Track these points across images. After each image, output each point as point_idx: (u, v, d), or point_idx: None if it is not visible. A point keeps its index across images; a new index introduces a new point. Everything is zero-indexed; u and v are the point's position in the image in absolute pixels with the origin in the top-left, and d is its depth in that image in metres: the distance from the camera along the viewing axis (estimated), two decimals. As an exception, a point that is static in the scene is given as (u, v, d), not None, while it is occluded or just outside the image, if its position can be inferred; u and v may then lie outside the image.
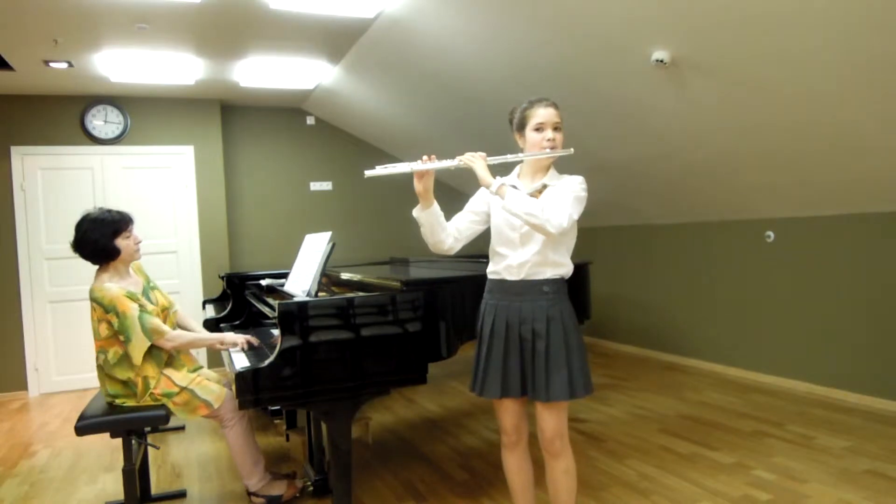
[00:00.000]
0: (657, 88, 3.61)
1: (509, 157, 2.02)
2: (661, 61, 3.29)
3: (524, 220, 1.92)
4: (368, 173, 1.99)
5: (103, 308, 2.53)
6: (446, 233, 2.13)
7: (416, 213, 2.09)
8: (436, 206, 2.08)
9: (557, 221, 1.89)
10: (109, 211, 2.66)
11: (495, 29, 3.68)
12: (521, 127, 2.08)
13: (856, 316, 3.94)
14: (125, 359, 2.56)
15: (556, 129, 2.04)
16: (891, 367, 3.76)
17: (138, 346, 2.52)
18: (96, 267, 2.71)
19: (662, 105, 3.76)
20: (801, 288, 4.26)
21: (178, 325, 2.91)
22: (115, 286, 2.57)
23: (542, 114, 2.03)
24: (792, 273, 4.31)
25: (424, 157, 2.01)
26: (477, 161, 1.98)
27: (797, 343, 4.30)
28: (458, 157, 2.01)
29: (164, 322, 2.71)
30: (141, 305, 2.58)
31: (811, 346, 4.21)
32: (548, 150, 2.02)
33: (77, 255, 2.65)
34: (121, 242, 2.62)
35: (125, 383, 2.59)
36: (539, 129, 2.03)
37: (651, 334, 5.58)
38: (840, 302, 4.03)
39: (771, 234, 4.43)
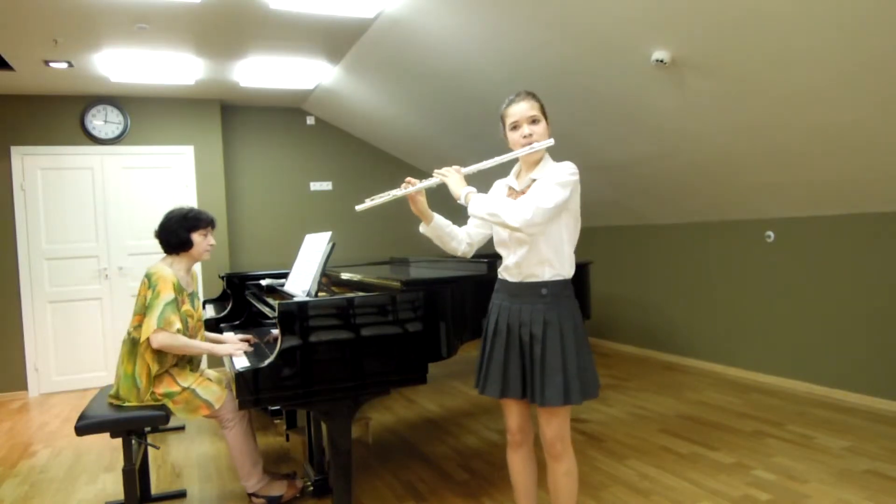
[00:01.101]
0: (657, 88, 3.61)
1: (485, 164, 2.04)
2: (661, 61, 3.29)
3: (489, 221, 1.97)
4: (358, 208, 2.16)
5: (149, 282, 2.64)
6: (457, 240, 2.18)
7: (421, 229, 2.17)
8: (437, 220, 2.15)
9: (520, 216, 1.88)
10: (195, 209, 2.86)
11: (495, 29, 3.68)
12: (504, 128, 2.08)
13: (856, 316, 3.94)
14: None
15: (533, 122, 2.00)
16: (891, 367, 3.76)
17: (148, 325, 2.57)
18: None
19: (662, 105, 3.76)
20: (801, 288, 4.26)
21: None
22: (171, 271, 2.70)
23: (514, 111, 2.01)
24: (792, 273, 4.31)
25: (407, 180, 2.09)
26: (450, 175, 2.04)
27: (797, 343, 4.30)
28: (434, 174, 2.06)
29: (194, 331, 2.76)
30: (178, 300, 2.65)
31: (811, 346, 4.21)
32: (525, 148, 1.99)
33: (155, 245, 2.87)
34: (195, 237, 2.79)
35: (135, 374, 2.62)
36: (514, 127, 2.02)
37: (651, 334, 5.58)
38: (840, 302, 4.03)
39: (771, 234, 4.43)
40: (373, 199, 2.12)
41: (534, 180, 2.04)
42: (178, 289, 2.68)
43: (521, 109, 2.00)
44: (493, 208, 1.92)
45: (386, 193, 2.11)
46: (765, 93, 3.26)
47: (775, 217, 4.37)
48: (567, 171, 1.97)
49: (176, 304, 2.62)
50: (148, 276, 2.67)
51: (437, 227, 2.15)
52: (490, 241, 2.23)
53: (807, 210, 4.13)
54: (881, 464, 2.97)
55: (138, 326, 2.64)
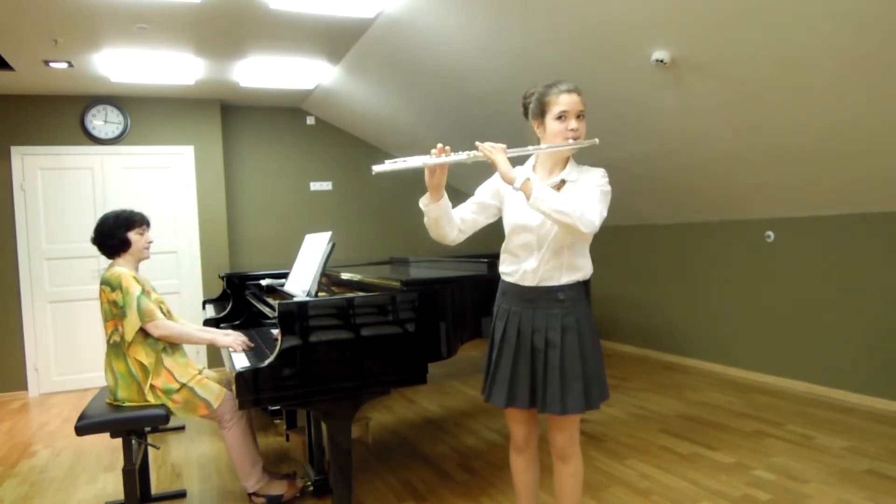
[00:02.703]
0: (657, 88, 3.61)
1: (529, 150, 1.87)
2: (661, 61, 3.29)
3: (553, 218, 1.75)
4: (376, 169, 1.87)
5: (111, 286, 2.64)
6: (451, 226, 1.99)
7: (423, 204, 1.94)
8: (445, 200, 1.94)
9: (590, 219, 1.77)
10: (126, 209, 2.86)
11: (495, 29, 3.68)
12: (541, 114, 1.92)
13: (856, 316, 3.94)
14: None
15: (579, 117, 1.88)
16: (891, 367, 3.76)
17: (131, 324, 2.60)
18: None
19: (662, 105, 3.76)
20: (801, 288, 4.26)
21: None
22: (125, 269, 2.72)
23: (566, 101, 1.86)
24: (792, 273, 4.31)
25: (438, 147, 1.84)
26: (497, 154, 1.80)
27: (797, 343, 4.30)
28: (476, 149, 1.83)
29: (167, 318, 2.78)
30: (145, 291, 2.68)
31: (811, 346, 4.21)
32: (570, 141, 1.86)
33: (95, 249, 2.83)
34: (133, 236, 2.79)
35: (130, 371, 2.62)
36: (562, 117, 1.87)
37: (651, 334, 5.58)
38: (840, 302, 4.02)
39: (771, 234, 4.43)
40: (395, 162, 1.86)
41: (564, 181, 1.93)
42: (138, 281, 2.70)
43: (574, 101, 1.87)
44: (563, 206, 1.72)
45: (412, 158, 1.85)
46: (765, 93, 3.26)
47: (775, 217, 4.37)
48: (605, 180, 1.92)
49: (145, 294, 2.67)
50: (107, 282, 2.66)
51: (443, 207, 1.93)
52: (481, 238, 2.17)
53: (807, 210, 4.13)
54: (881, 464, 2.97)
55: (115, 331, 2.66)
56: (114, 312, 2.65)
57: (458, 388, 4.83)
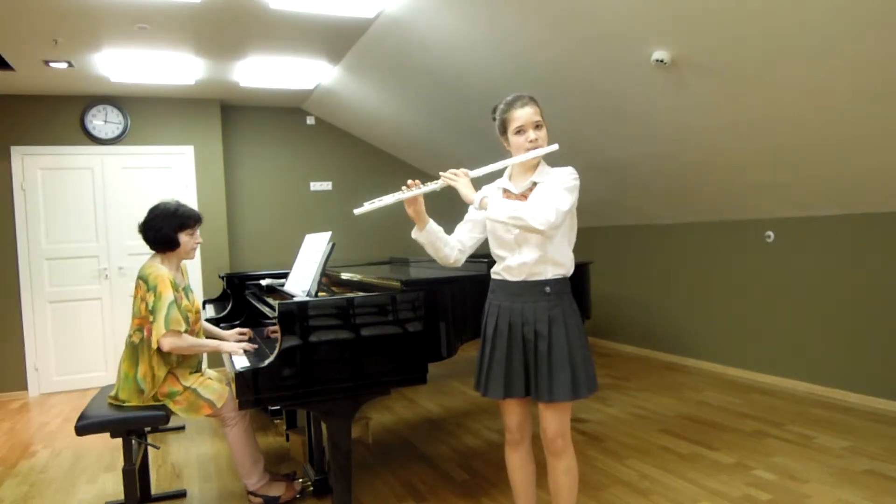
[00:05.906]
0: (657, 88, 3.61)
1: (492, 167, 2.03)
2: (661, 61, 3.29)
3: (511, 224, 1.94)
4: (357, 211, 2.06)
5: (147, 285, 2.60)
6: (449, 247, 2.15)
7: (414, 235, 2.14)
8: (431, 225, 2.11)
9: (543, 218, 1.89)
10: (183, 206, 2.79)
11: (495, 29, 3.68)
12: (504, 131, 2.08)
13: (855, 316, 3.94)
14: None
15: (537, 127, 2.02)
16: (891, 367, 3.76)
17: (157, 329, 2.55)
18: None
19: (662, 105, 3.76)
20: (800, 288, 4.26)
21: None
22: (165, 269, 2.66)
23: (520, 116, 2.02)
24: (792, 273, 4.31)
25: (409, 183, 2.05)
26: (459, 179, 2.00)
27: (797, 343, 4.30)
28: (441, 177, 2.03)
29: (194, 325, 2.76)
30: (177, 297, 2.63)
31: (811, 346, 4.21)
32: (532, 152, 2.01)
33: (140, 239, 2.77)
34: (183, 237, 2.74)
35: (136, 377, 2.61)
36: (519, 131, 2.02)
37: (651, 334, 5.58)
38: (840, 302, 4.03)
39: (771, 234, 4.43)
40: (372, 203, 2.05)
41: (535, 183, 2.07)
42: (175, 286, 2.65)
43: (527, 114, 2.02)
44: (516, 212, 1.91)
45: (388, 196, 2.05)
46: (765, 92, 3.26)
47: (775, 217, 4.37)
48: (572, 177, 2.01)
49: (176, 302, 2.62)
50: (144, 279, 2.62)
51: (431, 231, 2.11)
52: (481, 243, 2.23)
53: (807, 210, 4.13)
54: (881, 464, 2.97)
55: (138, 330, 2.63)
56: (143, 312, 2.61)
57: (458, 388, 4.83)
